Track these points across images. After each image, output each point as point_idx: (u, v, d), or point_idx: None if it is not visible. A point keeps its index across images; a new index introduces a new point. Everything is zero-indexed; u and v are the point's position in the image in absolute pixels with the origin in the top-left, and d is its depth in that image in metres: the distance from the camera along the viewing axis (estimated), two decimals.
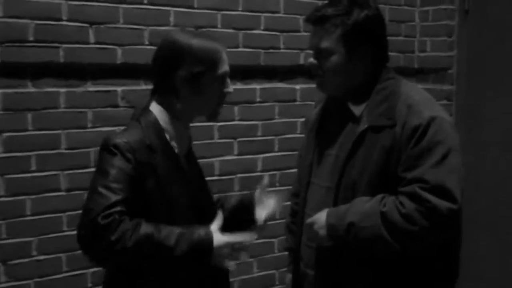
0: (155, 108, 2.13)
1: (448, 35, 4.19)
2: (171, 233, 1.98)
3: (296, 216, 2.49)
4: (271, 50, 3.59)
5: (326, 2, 2.29)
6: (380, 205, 2.09)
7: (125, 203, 1.95)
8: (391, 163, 2.11)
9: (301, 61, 3.69)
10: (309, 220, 2.22)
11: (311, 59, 2.25)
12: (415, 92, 2.22)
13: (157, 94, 2.15)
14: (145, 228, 1.95)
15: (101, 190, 1.96)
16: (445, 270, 2.24)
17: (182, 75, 2.07)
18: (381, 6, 3.82)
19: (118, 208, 1.93)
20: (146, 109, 2.14)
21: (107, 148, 2.02)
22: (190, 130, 2.24)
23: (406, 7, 4.20)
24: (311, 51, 2.28)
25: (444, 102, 4.11)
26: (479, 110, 4.12)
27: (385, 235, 2.07)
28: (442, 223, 2.05)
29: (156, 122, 2.11)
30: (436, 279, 2.20)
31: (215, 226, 2.08)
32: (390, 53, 4.07)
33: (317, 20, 2.21)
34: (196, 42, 2.08)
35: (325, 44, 2.19)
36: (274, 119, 3.68)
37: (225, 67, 2.12)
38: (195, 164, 2.26)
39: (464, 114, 4.15)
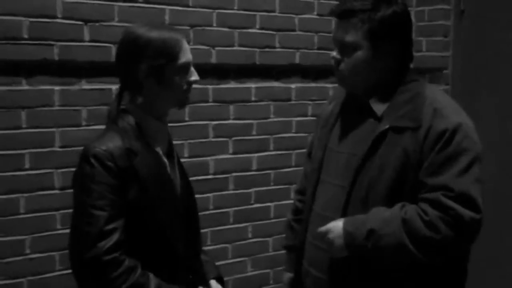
0: (128, 107, 2.12)
1: (444, 35, 4.19)
2: None
3: (299, 214, 2.48)
4: (266, 49, 3.59)
5: None
6: (401, 212, 2.05)
7: (115, 219, 1.98)
8: (411, 166, 2.07)
9: (297, 61, 3.68)
10: (322, 229, 2.15)
11: (334, 53, 2.20)
12: (440, 96, 2.18)
13: (126, 91, 2.14)
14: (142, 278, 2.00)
15: (91, 211, 1.97)
16: (454, 279, 2.20)
17: (144, 69, 2.06)
18: None
19: (116, 236, 1.97)
20: (120, 109, 2.12)
21: (87, 159, 2.02)
22: (167, 126, 2.21)
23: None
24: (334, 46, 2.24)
25: None
26: (474, 109, 4.10)
27: (407, 243, 2.02)
28: (465, 233, 2.01)
29: (132, 122, 2.10)
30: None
31: None
32: None
33: (343, 13, 2.16)
34: (154, 34, 2.07)
35: (350, 38, 2.14)
36: (269, 118, 3.67)
37: (186, 56, 2.10)
38: (177, 162, 2.26)
39: None
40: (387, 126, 2.11)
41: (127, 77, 2.11)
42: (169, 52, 2.07)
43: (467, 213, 1.99)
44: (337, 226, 2.12)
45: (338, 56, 2.19)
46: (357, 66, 2.15)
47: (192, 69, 2.13)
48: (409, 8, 4.10)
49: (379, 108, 2.17)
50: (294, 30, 3.68)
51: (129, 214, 2.02)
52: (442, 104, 2.12)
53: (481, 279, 4.01)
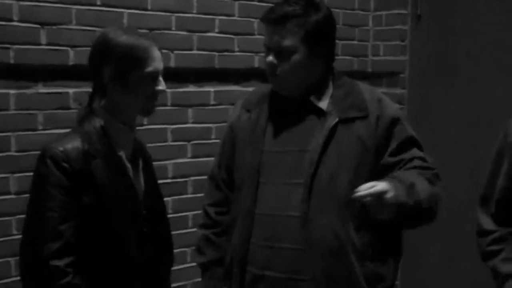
0: (96, 109, 2.12)
1: (401, 39, 4.24)
2: None
3: (219, 226, 2.47)
4: (225, 53, 3.59)
5: (279, 2, 2.30)
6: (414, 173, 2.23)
7: (67, 221, 1.98)
8: (368, 151, 2.23)
9: (256, 64, 3.69)
10: (376, 189, 2.05)
11: (270, 58, 2.26)
12: (371, 88, 2.40)
13: (95, 94, 2.13)
14: None
15: (42, 211, 1.97)
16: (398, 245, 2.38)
17: (109, 73, 2.06)
18: (335, 10, 3.91)
19: (66, 238, 1.97)
20: (89, 111, 2.12)
21: (43, 159, 2.01)
22: (135, 131, 2.22)
23: (359, 12, 4.24)
24: (265, 52, 2.30)
25: (398, 105, 4.16)
26: (430, 113, 4.17)
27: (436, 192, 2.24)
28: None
29: (98, 124, 2.09)
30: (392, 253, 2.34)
31: None
32: (344, 57, 4.13)
33: (278, 19, 2.24)
34: (123, 39, 2.07)
35: (288, 43, 2.23)
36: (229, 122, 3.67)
37: (155, 65, 2.10)
38: (145, 167, 2.25)
39: (416, 118, 4.19)
40: (337, 119, 2.23)
41: (94, 79, 2.12)
42: (136, 58, 2.07)
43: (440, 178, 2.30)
44: (375, 183, 2.09)
45: (275, 61, 2.25)
46: (296, 69, 2.25)
47: (160, 78, 2.13)
48: (367, 13, 4.22)
49: (322, 104, 2.28)
50: (253, 34, 3.69)
51: (83, 217, 2.01)
52: (381, 95, 2.36)
53: (430, 273, 4.08)
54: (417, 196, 2.15)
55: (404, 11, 4.23)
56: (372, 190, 2.03)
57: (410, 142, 2.30)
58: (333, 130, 2.24)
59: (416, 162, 2.27)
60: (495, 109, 3.80)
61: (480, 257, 2.19)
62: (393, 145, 2.27)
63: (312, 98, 2.29)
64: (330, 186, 2.21)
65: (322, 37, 2.27)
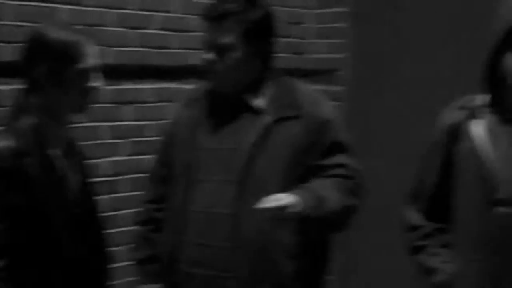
0: (29, 106, 2.09)
1: (340, 37, 4.28)
2: None
3: (156, 223, 2.46)
4: (163, 50, 3.58)
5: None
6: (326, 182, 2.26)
7: None
8: (300, 151, 2.26)
9: (194, 61, 3.68)
10: (280, 203, 2.11)
11: (209, 55, 2.27)
12: (308, 88, 2.45)
13: (28, 91, 2.10)
14: None
15: None
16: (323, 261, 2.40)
17: (43, 70, 2.04)
18: (276, 7, 3.92)
19: None
20: (22, 108, 2.09)
21: None
22: (69, 128, 2.20)
23: (300, 9, 4.27)
24: (204, 49, 2.31)
25: (335, 103, 4.19)
26: (368, 111, 4.22)
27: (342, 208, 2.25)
28: (361, 201, 2.33)
29: (30, 122, 2.06)
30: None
31: None
32: (284, 54, 4.14)
33: (217, 16, 2.26)
34: (57, 35, 2.06)
35: (227, 40, 2.25)
36: (166, 119, 3.65)
37: (89, 61, 2.08)
38: (78, 165, 2.23)
39: (354, 115, 4.24)
40: (272, 118, 2.25)
41: (27, 76, 2.08)
42: (69, 54, 2.05)
43: (363, 185, 2.33)
44: (286, 195, 2.14)
45: (214, 58, 2.26)
46: (235, 66, 2.27)
47: (96, 74, 2.11)
48: (308, 10, 4.25)
49: (257, 102, 2.29)
50: (191, 31, 3.68)
51: (15, 217, 1.98)
52: (315, 95, 2.39)
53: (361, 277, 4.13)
54: (326, 210, 2.19)
55: (343, 9, 4.27)
56: (275, 204, 2.09)
57: (338, 147, 2.31)
58: (267, 129, 2.25)
59: (339, 170, 2.29)
60: (432, 106, 3.86)
61: (408, 252, 2.22)
62: (321, 148, 2.29)
63: (248, 97, 2.30)
64: (261, 185, 2.22)
65: (261, 34, 2.30)
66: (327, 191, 2.22)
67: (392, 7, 4.13)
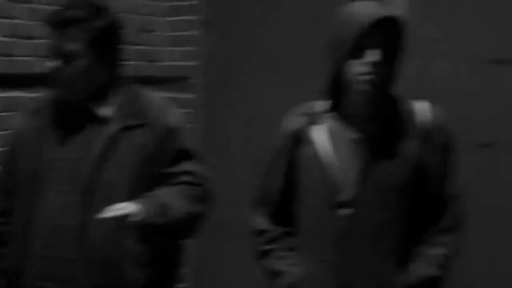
0: None
1: (191, 44, 4.30)
2: None
3: (2, 237, 2.38)
4: (8, 58, 3.46)
5: (65, 6, 2.27)
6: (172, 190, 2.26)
7: None
8: (148, 160, 2.25)
9: (40, 69, 3.58)
10: (120, 213, 2.10)
11: (55, 63, 2.23)
12: (155, 96, 2.41)
13: None
14: None
15: None
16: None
17: None
18: (129, 14, 3.90)
19: None
20: None
21: None
22: None
23: (152, 17, 4.25)
24: (50, 57, 2.25)
25: (187, 110, 4.22)
26: (220, 117, 4.27)
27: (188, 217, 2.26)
28: (209, 206, 2.36)
29: None
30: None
31: None
32: (136, 62, 4.11)
33: (62, 24, 2.21)
34: None
35: (74, 47, 2.21)
36: (11, 129, 3.53)
37: None
38: None
39: (206, 122, 4.28)
40: (117, 127, 2.24)
41: None
42: None
43: (210, 192, 2.36)
44: (129, 204, 2.13)
45: (60, 66, 2.22)
46: (81, 74, 2.23)
47: None
48: (159, 18, 4.24)
49: (103, 111, 2.27)
50: (38, 38, 3.58)
51: None
52: (162, 103, 2.37)
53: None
54: (169, 217, 2.20)
55: (194, 17, 4.30)
56: (117, 213, 2.09)
57: (185, 155, 2.32)
58: (112, 138, 2.23)
59: (186, 178, 2.30)
60: (280, 113, 3.95)
61: (256, 256, 2.26)
62: (168, 156, 2.30)
63: (93, 105, 2.27)
64: (108, 194, 2.19)
65: (107, 42, 2.27)
66: (172, 199, 2.23)
67: (243, 15, 4.19)
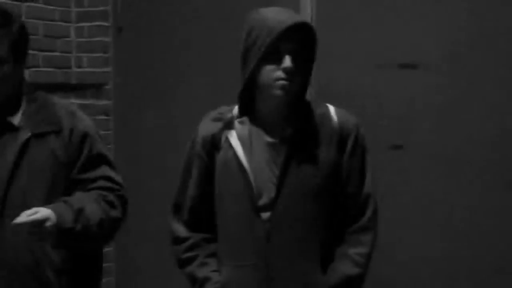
0: None
1: (104, 51, 4.27)
2: None
3: None
4: None
5: None
6: (92, 195, 2.27)
7: None
8: (61, 166, 2.25)
9: None
10: (35, 217, 2.08)
11: None
12: (65, 102, 2.44)
13: None
14: None
15: None
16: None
17: None
18: (35, 21, 3.84)
19: None
20: None
21: None
22: None
23: (61, 23, 4.19)
24: None
25: (103, 117, 4.19)
26: (136, 123, 4.25)
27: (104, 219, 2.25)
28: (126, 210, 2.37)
29: None
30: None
31: None
32: (47, 69, 4.03)
33: None
34: None
35: (1, 52, 2.18)
36: None
37: None
38: None
39: (122, 128, 4.26)
40: (29, 134, 2.22)
41: None
42: None
43: (125, 197, 2.36)
44: (42, 209, 2.11)
45: None
46: (5, 80, 2.21)
47: None
48: (69, 24, 4.19)
49: (14, 119, 2.25)
50: None
51: None
52: (73, 108, 2.40)
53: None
54: (85, 222, 2.19)
55: (105, 23, 4.27)
56: (30, 218, 2.07)
57: (100, 160, 2.33)
58: (25, 145, 2.22)
59: (101, 183, 2.31)
60: (193, 118, 3.97)
61: (177, 264, 2.25)
62: (83, 161, 2.30)
63: (6, 113, 2.24)
64: (24, 203, 2.17)
65: (23, 48, 2.27)
66: (87, 204, 2.22)
67: (152, 20, 4.19)
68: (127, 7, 4.26)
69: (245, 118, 2.16)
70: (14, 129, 2.24)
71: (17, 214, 2.12)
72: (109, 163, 2.37)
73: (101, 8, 4.27)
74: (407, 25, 3.52)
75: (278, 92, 2.07)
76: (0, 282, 2.18)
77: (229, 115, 2.19)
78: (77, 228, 2.17)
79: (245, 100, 2.16)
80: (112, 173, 2.35)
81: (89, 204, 2.23)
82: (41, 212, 2.09)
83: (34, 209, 2.09)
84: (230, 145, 2.14)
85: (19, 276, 2.18)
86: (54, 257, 2.23)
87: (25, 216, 2.06)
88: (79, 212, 2.18)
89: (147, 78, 4.21)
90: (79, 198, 2.24)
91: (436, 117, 3.46)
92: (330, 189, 2.14)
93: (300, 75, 2.09)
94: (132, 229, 4.05)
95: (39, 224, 2.08)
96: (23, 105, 2.28)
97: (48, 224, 2.09)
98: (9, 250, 2.18)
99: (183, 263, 2.22)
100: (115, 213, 2.31)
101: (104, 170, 2.33)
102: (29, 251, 2.19)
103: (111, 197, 2.31)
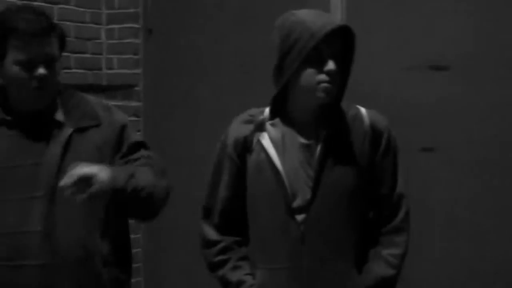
0: None
1: (134, 53, 4.31)
2: None
3: None
4: None
5: (26, 14, 2.22)
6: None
7: None
8: (105, 158, 2.26)
9: None
10: (81, 172, 2.04)
11: (41, 70, 2.18)
12: (97, 99, 2.46)
13: None
14: None
15: None
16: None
17: None
18: (66, 23, 3.88)
19: None
20: None
21: None
22: None
23: (92, 25, 4.23)
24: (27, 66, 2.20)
25: (133, 118, 4.21)
26: (166, 125, 4.27)
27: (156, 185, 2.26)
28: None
29: None
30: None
31: None
32: (78, 70, 4.07)
33: (43, 30, 2.18)
34: None
35: (56, 52, 2.22)
36: None
37: None
38: None
39: (152, 130, 4.28)
40: (72, 129, 2.25)
41: None
42: None
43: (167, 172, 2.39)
44: (93, 167, 2.09)
45: (46, 72, 2.19)
46: (57, 77, 2.26)
47: None
48: (100, 26, 4.23)
49: (57, 116, 2.28)
50: None
51: None
52: (107, 103, 2.48)
53: None
54: (136, 183, 2.18)
55: (136, 25, 4.30)
56: (76, 173, 2.03)
57: (139, 145, 2.38)
58: (68, 140, 2.25)
59: (145, 160, 2.33)
60: (224, 121, 3.98)
61: (208, 268, 2.24)
62: (124, 149, 2.33)
63: (49, 110, 2.27)
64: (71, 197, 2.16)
65: (63, 48, 2.30)
66: (136, 169, 2.25)
67: (183, 22, 4.21)
68: (157, 9, 4.29)
69: (277, 120, 2.15)
70: (58, 125, 2.27)
71: (65, 211, 2.16)
72: (147, 148, 2.40)
73: (132, 10, 4.30)
74: (437, 27, 3.51)
75: (322, 94, 2.06)
76: (51, 273, 2.19)
77: (260, 117, 2.18)
78: (128, 189, 2.16)
79: (281, 102, 2.16)
80: (151, 154, 2.39)
81: (139, 169, 2.24)
82: (87, 167, 2.06)
83: (78, 166, 2.06)
84: (262, 147, 2.14)
85: (71, 268, 2.20)
86: (103, 248, 2.25)
87: (76, 171, 2.04)
88: (131, 174, 2.19)
89: (176, 79, 4.23)
90: (129, 166, 2.27)
91: (466, 120, 3.45)
92: (364, 190, 2.14)
93: (339, 78, 2.09)
94: (161, 230, 4.11)
95: (87, 178, 2.04)
96: (61, 102, 2.31)
97: (100, 180, 2.05)
98: (61, 244, 2.19)
99: (214, 267, 2.21)
100: (164, 182, 2.33)
101: (144, 152, 2.36)
102: (80, 244, 2.21)
103: (157, 168, 2.32)
